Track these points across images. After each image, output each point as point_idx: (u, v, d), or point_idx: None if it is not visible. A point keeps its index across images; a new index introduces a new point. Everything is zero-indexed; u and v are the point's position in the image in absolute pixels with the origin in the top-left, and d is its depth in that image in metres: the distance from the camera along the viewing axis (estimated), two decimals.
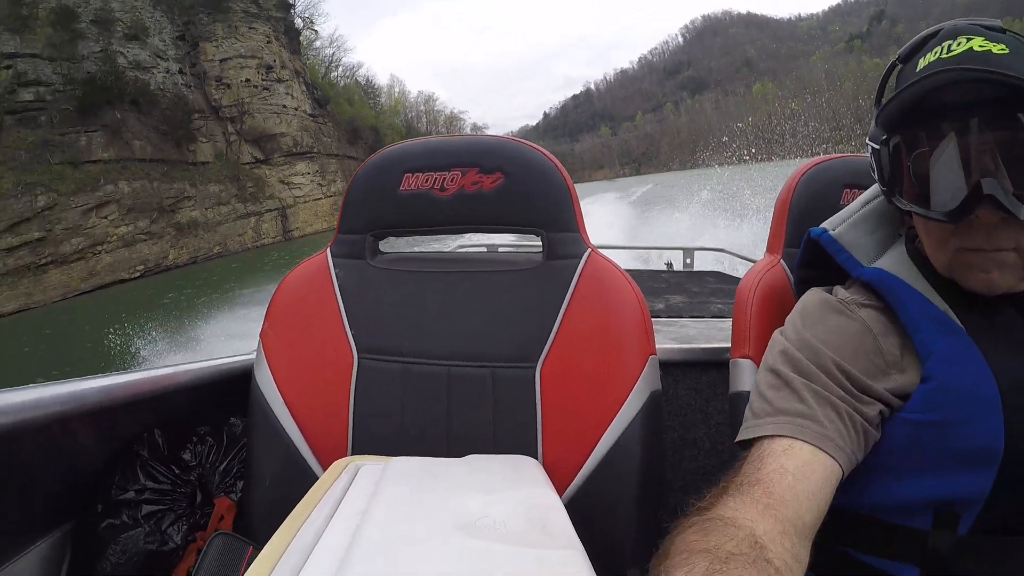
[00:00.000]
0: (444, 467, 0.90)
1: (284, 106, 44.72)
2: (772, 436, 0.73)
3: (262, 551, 0.66)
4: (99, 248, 28.87)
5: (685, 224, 16.51)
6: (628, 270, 1.14)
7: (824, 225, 0.92)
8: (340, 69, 74.72)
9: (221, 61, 41.81)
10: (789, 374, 0.78)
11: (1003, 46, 0.72)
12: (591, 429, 1.03)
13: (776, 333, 0.87)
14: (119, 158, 31.99)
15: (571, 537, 0.70)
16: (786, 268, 1.11)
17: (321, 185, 45.32)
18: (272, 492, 1.11)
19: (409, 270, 1.19)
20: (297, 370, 1.14)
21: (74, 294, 26.98)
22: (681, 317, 2.92)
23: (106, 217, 29.63)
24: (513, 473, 0.89)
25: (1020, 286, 0.76)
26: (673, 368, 1.74)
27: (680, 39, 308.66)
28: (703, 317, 2.90)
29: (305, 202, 43.42)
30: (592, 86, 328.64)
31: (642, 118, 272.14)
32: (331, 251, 1.22)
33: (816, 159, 1.20)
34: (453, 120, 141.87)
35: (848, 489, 0.74)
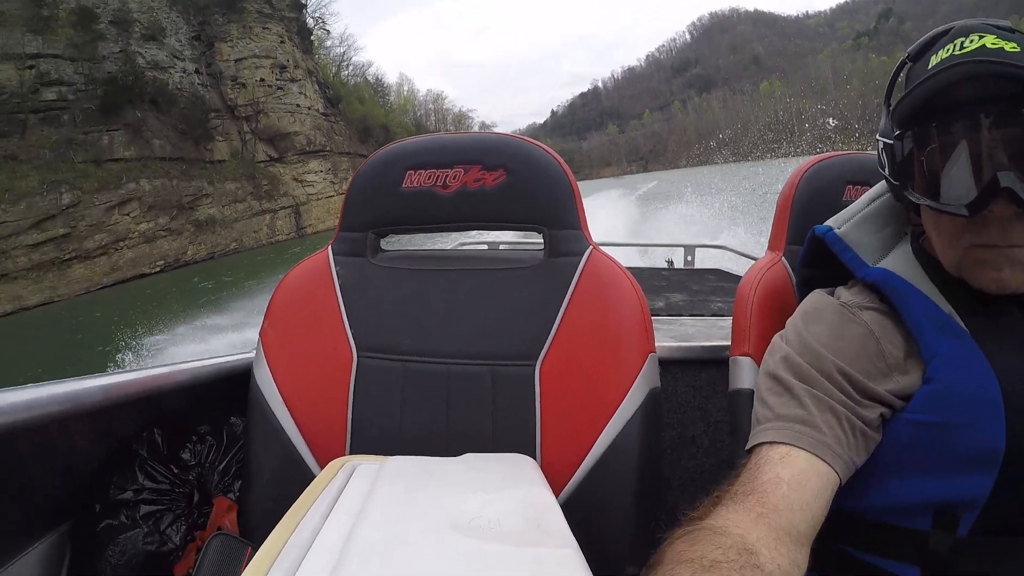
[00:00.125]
0: (440, 466, 0.90)
1: (298, 105, 45.55)
2: (772, 443, 0.74)
3: (258, 551, 0.67)
4: (121, 244, 29.79)
5: (688, 220, 16.63)
6: (629, 267, 1.16)
7: (829, 223, 0.93)
8: (350, 68, 75.66)
9: (236, 61, 42.70)
10: (790, 379, 0.78)
11: (1015, 44, 0.72)
12: (590, 426, 1.03)
13: (777, 337, 0.87)
14: (140, 156, 32.91)
15: (567, 536, 0.70)
16: (787, 266, 1.11)
17: (333, 183, 46.03)
18: (270, 491, 1.12)
19: (410, 268, 1.19)
20: (296, 369, 1.15)
21: (97, 288, 27.85)
22: (681, 315, 2.90)
23: (128, 214, 30.55)
24: (510, 472, 0.90)
25: None
26: (672, 366, 1.75)
27: (687, 36, 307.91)
28: (703, 315, 2.89)
29: (318, 199, 44.21)
30: (600, 84, 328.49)
31: (650, 116, 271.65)
32: (332, 249, 1.22)
33: (818, 156, 1.20)
34: (462, 118, 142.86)
35: (848, 490, 0.74)
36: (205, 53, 41.75)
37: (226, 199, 37.41)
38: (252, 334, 1.22)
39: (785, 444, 0.72)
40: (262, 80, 43.49)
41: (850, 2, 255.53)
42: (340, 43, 72.09)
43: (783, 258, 1.13)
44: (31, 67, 30.25)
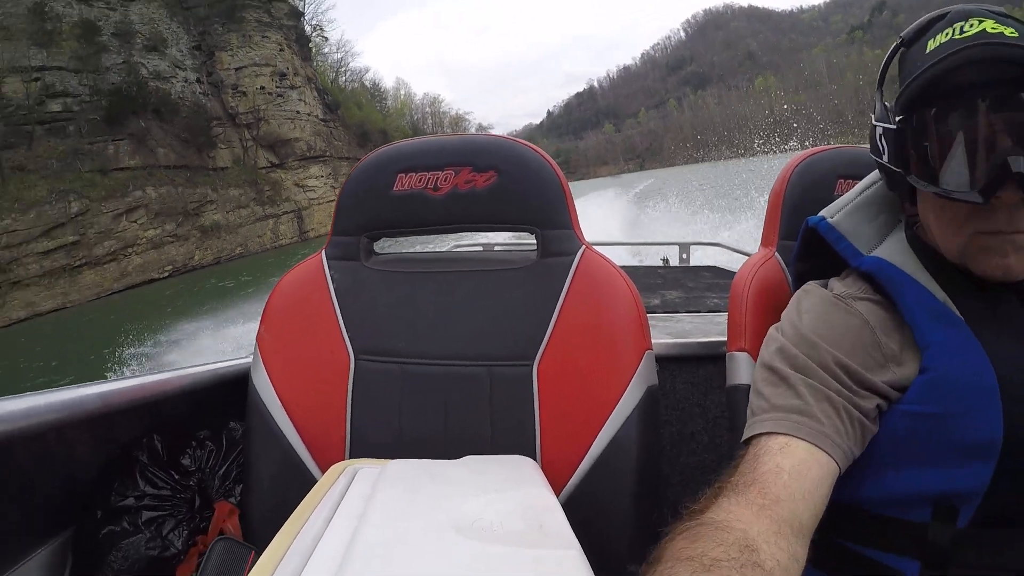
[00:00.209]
0: (441, 469, 0.90)
1: (297, 112, 46.26)
2: (769, 433, 0.72)
3: (261, 556, 0.67)
4: (129, 250, 30.57)
5: (684, 220, 16.65)
6: (624, 266, 1.16)
7: (822, 213, 0.92)
8: (348, 74, 76.38)
9: (236, 70, 43.42)
10: (786, 370, 0.78)
11: (1013, 29, 0.71)
12: (589, 425, 1.03)
13: (772, 329, 0.87)
14: (145, 165, 33.65)
15: (568, 537, 0.70)
16: (781, 261, 1.11)
17: (334, 187, 46.42)
18: (271, 495, 1.12)
19: (404, 271, 1.19)
20: (294, 373, 1.15)
21: (107, 293, 28.61)
22: (677, 312, 2.90)
23: (135, 221, 31.31)
24: (510, 474, 0.90)
25: None
26: (670, 363, 1.74)
27: (682, 34, 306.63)
28: (699, 312, 2.89)
29: (319, 204, 44.80)
30: (595, 83, 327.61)
31: (645, 114, 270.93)
32: (326, 253, 1.22)
33: (809, 151, 1.20)
34: (458, 121, 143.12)
35: (846, 483, 0.73)
36: (206, 62, 42.52)
37: (230, 205, 38.16)
38: None
39: (784, 434, 0.72)
40: (262, 88, 44.21)
41: None
42: (337, 49, 72.98)
43: (776, 253, 1.13)
44: (36, 79, 30.98)
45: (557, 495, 0.85)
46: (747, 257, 1.32)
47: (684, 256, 4.71)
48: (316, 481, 0.90)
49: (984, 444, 0.71)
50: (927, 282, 0.79)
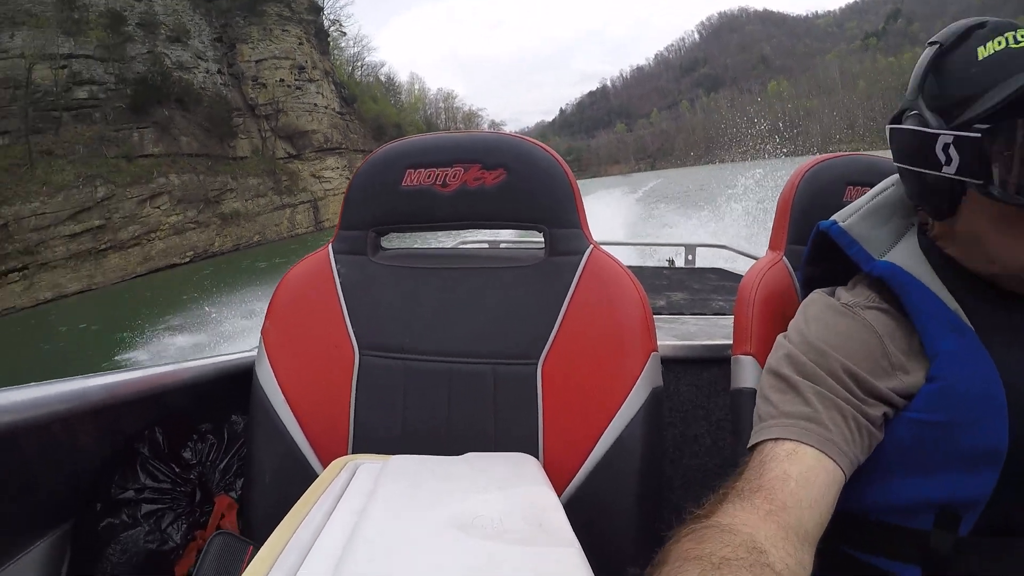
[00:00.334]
0: (443, 465, 0.89)
1: (315, 104, 47.25)
2: (776, 439, 0.72)
3: (260, 550, 0.66)
4: (153, 235, 31.50)
5: (692, 221, 16.82)
6: (630, 267, 1.15)
7: (834, 217, 0.91)
8: (364, 68, 77.35)
9: (257, 62, 44.40)
10: (794, 377, 0.77)
11: None
12: (592, 425, 1.03)
13: (780, 337, 0.86)
14: (168, 153, 34.68)
15: (568, 536, 0.69)
16: (788, 266, 1.10)
17: (349, 179, 47.16)
18: (272, 490, 1.12)
19: (411, 266, 1.19)
20: (298, 367, 1.15)
21: (131, 276, 29.51)
22: (683, 314, 2.85)
23: (159, 207, 32.28)
24: (512, 472, 0.89)
25: None
26: (674, 365, 1.73)
27: (696, 36, 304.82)
28: (704, 314, 2.85)
29: (335, 195, 45.49)
30: (608, 83, 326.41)
31: (658, 115, 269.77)
32: (333, 247, 1.22)
33: (819, 157, 1.19)
34: (471, 117, 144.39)
35: (850, 490, 0.72)
36: (227, 54, 43.52)
37: (249, 194, 39.15)
38: None
39: (791, 440, 0.71)
40: (281, 80, 45.16)
41: (859, 2, 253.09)
42: (354, 44, 73.87)
43: (784, 258, 1.12)
44: (64, 67, 31.93)
45: (559, 495, 0.86)
46: (752, 260, 1.33)
47: (690, 257, 4.64)
48: (318, 476, 0.91)
49: (989, 453, 0.71)
50: (939, 290, 0.78)
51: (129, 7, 37.00)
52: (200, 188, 35.22)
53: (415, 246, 1.39)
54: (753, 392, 0.91)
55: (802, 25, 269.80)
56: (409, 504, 0.75)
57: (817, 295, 0.89)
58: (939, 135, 0.75)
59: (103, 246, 28.86)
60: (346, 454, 1.06)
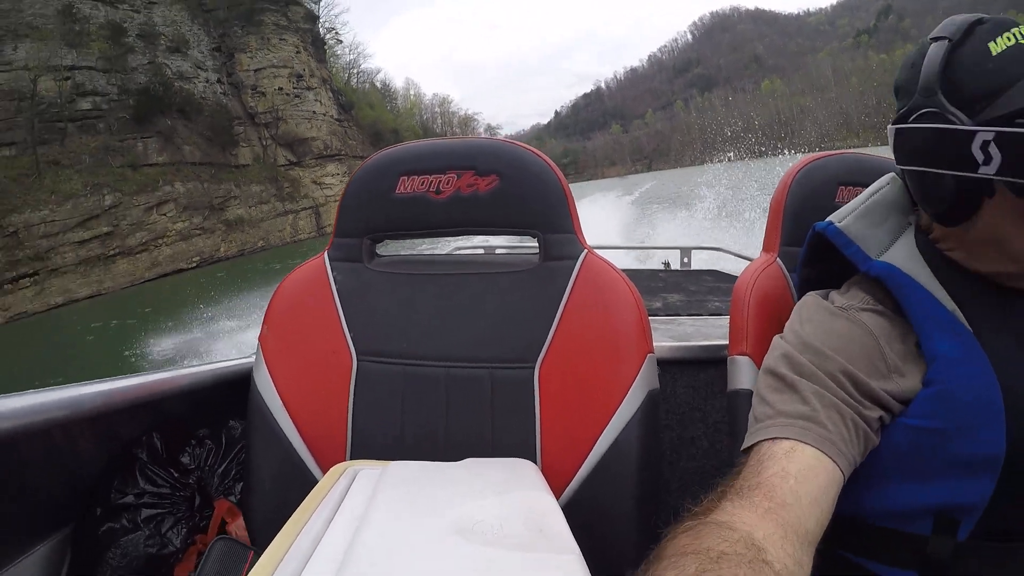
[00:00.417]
0: (442, 471, 0.90)
1: (314, 112, 47.87)
2: (775, 439, 0.71)
3: (261, 557, 0.66)
4: (160, 241, 32.16)
5: (685, 222, 16.95)
6: (626, 270, 1.16)
7: (830, 218, 0.89)
8: (360, 75, 77.96)
9: (255, 71, 45.09)
10: (792, 376, 0.76)
11: None
12: (590, 428, 1.03)
13: (776, 338, 0.85)
14: (172, 161, 35.33)
15: (568, 541, 0.70)
16: (782, 266, 1.10)
17: None
18: (272, 495, 1.12)
19: (406, 273, 1.19)
20: (296, 373, 1.15)
21: (139, 282, 30.15)
22: (679, 315, 2.86)
23: (165, 214, 32.94)
24: (511, 477, 0.89)
25: None
26: (671, 366, 1.74)
27: (689, 36, 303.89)
28: (700, 315, 2.86)
29: (335, 201, 42.89)
30: (603, 84, 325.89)
31: (652, 116, 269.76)
32: (328, 255, 1.22)
33: (810, 156, 1.20)
34: (467, 121, 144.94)
35: (847, 495, 0.71)
36: (226, 63, 44.22)
37: (252, 200, 39.83)
38: None
39: (790, 439, 0.70)
40: (280, 89, 45.87)
41: None
42: (350, 51, 74.60)
43: (778, 259, 1.11)
44: (67, 78, 32.56)
45: (557, 499, 0.87)
46: (747, 261, 1.34)
47: (685, 260, 4.66)
48: (317, 482, 0.91)
49: (987, 459, 0.70)
50: (936, 290, 0.77)
51: (129, 18, 37.66)
52: (204, 195, 35.88)
53: (410, 252, 1.42)
54: (749, 393, 0.92)
55: (794, 23, 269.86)
56: (409, 510, 0.75)
57: (811, 297, 0.88)
58: (976, 132, 0.70)
59: (112, 252, 29.54)
60: (344, 460, 1.09)
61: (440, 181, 1.17)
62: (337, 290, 1.19)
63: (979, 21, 0.75)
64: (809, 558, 0.60)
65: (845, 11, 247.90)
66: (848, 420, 0.72)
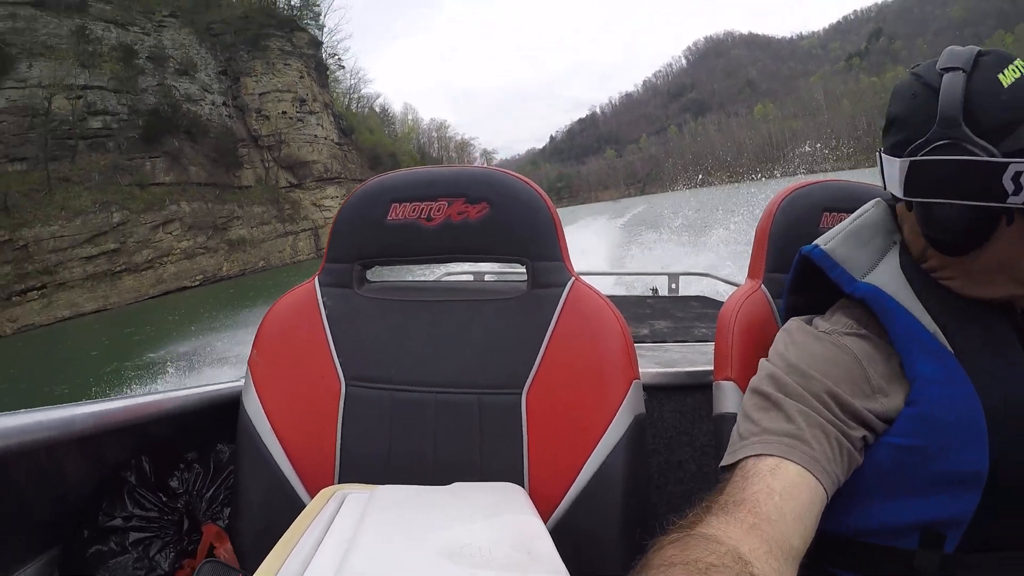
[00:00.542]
0: (430, 495, 0.90)
1: (315, 136, 49.05)
2: (759, 455, 0.71)
3: None
4: (165, 259, 33.05)
5: (672, 247, 16.63)
6: (613, 296, 1.27)
7: (816, 242, 0.90)
8: (360, 100, 79.60)
9: (260, 95, 46.32)
10: (777, 395, 0.77)
11: None
12: (577, 453, 1.03)
13: (763, 360, 0.86)
14: (179, 181, 36.35)
15: (557, 564, 0.69)
16: (767, 293, 1.11)
17: None
18: (260, 519, 1.12)
19: (396, 299, 1.20)
20: (285, 398, 1.15)
21: (144, 298, 30.90)
22: (666, 342, 2.87)
23: (170, 233, 33.90)
24: (499, 501, 0.89)
25: None
26: (658, 392, 1.75)
27: (684, 61, 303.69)
28: (687, 341, 2.87)
29: None
30: (598, 110, 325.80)
31: (646, 140, 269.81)
32: (319, 280, 1.23)
33: (795, 184, 1.21)
34: (464, 146, 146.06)
35: (831, 513, 0.72)
36: (231, 87, 45.36)
37: (254, 221, 40.85)
38: None
39: (774, 456, 0.70)
40: (284, 112, 47.11)
41: (842, 22, 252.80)
42: (351, 76, 75.91)
43: (763, 286, 1.13)
44: (80, 97, 33.56)
45: (545, 523, 0.87)
46: (735, 287, 1.34)
47: (673, 286, 4.65)
48: (305, 505, 0.91)
49: (970, 476, 0.70)
50: (919, 312, 0.79)
51: (139, 40, 38.82)
52: (209, 215, 36.79)
53: (400, 276, 1.44)
54: (735, 417, 0.92)
55: (787, 47, 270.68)
56: (397, 534, 0.76)
57: (795, 322, 0.89)
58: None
59: (118, 268, 30.36)
60: (332, 484, 1.08)
61: (431, 208, 1.18)
62: (327, 316, 1.19)
63: (983, 52, 0.76)
64: (793, 573, 0.61)
65: (837, 34, 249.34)
66: (832, 439, 0.72)
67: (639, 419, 1.07)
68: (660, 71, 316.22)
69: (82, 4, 35.09)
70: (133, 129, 35.26)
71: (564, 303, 1.11)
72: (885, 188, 0.85)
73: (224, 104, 44.12)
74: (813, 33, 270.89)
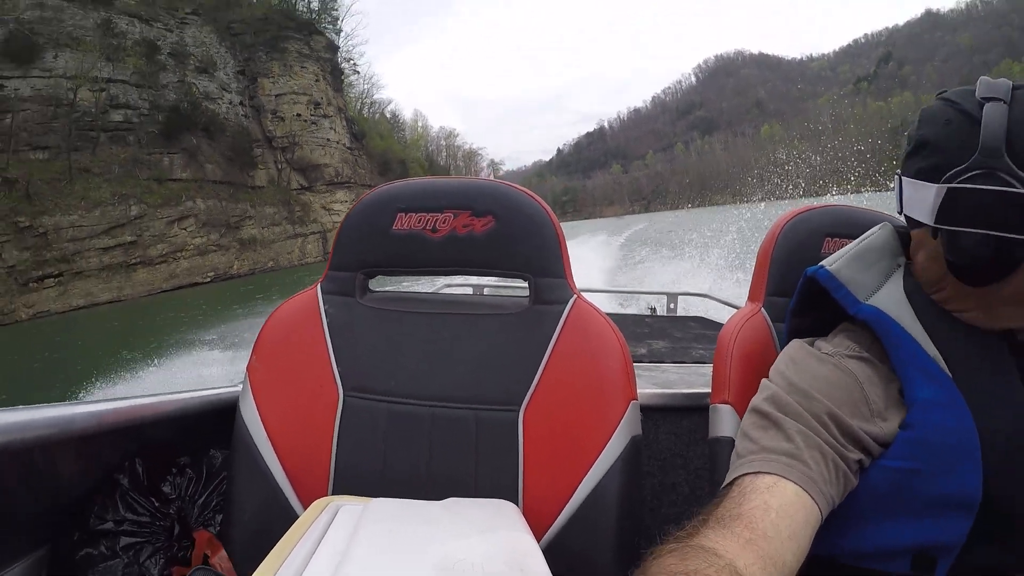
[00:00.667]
0: (423, 510, 0.89)
1: (328, 139, 49.62)
2: (757, 472, 0.71)
3: None
4: (179, 254, 33.60)
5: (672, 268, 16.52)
6: (612, 314, 1.15)
7: (822, 263, 0.90)
8: (372, 105, 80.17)
9: (276, 96, 46.84)
10: (777, 414, 0.77)
11: None
12: (572, 473, 1.03)
13: (764, 380, 0.86)
14: (195, 178, 36.93)
15: None
16: (767, 316, 1.10)
17: None
18: (252, 528, 1.10)
19: (397, 310, 1.19)
20: (282, 405, 1.14)
21: (157, 291, 31.44)
22: (663, 362, 2.87)
23: (185, 228, 34.46)
24: (492, 517, 0.89)
25: None
26: (654, 413, 1.74)
27: (693, 79, 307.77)
28: (685, 362, 2.85)
29: None
30: (606, 124, 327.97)
31: (653, 157, 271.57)
32: (321, 287, 1.21)
33: (798, 209, 1.20)
34: (472, 155, 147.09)
35: (825, 535, 0.72)
36: (249, 87, 45.86)
37: (265, 221, 41.36)
38: None
39: (771, 474, 0.70)
40: (298, 115, 47.60)
41: (852, 45, 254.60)
42: (364, 81, 76.61)
43: (763, 308, 1.12)
44: (103, 90, 34.08)
45: (538, 541, 0.87)
46: (734, 309, 1.35)
47: (672, 306, 4.64)
48: (298, 515, 0.91)
49: (963, 500, 0.71)
50: (920, 335, 0.79)
51: (162, 36, 39.40)
52: (222, 213, 37.28)
53: (402, 284, 1.90)
54: (731, 441, 0.94)
55: (797, 69, 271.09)
56: (390, 547, 0.76)
57: (797, 343, 0.90)
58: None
59: (133, 260, 30.87)
60: (326, 494, 1.07)
61: (437, 219, 1.17)
62: (328, 324, 1.18)
63: (1016, 86, 0.75)
64: None
65: (847, 57, 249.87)
66: (830, 461, 0.73)
67: (635, 440, 1.07)
68: (669, 87, 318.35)
69: None
70: (153, 124, 35.74)
71: (565, 320, 1.11)
72: (901, 211, 0.85)
73: (241, 104, 44.60)
74: (823, 55, 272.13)
